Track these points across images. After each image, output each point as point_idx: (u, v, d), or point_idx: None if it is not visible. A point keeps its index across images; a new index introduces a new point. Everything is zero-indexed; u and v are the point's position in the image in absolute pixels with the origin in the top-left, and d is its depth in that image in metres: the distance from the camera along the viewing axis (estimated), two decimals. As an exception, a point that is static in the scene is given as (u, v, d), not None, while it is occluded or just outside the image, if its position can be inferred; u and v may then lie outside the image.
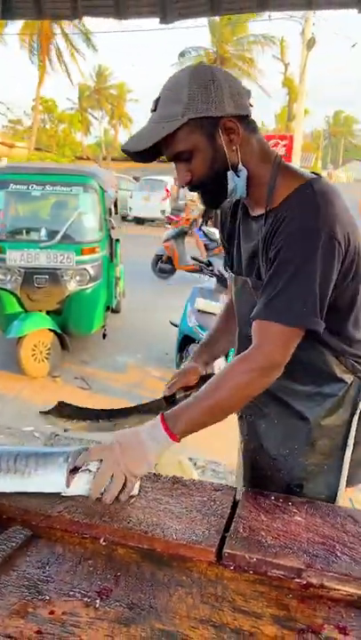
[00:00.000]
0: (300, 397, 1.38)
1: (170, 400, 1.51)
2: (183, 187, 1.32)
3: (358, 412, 1.40)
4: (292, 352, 1.23)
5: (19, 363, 5.22)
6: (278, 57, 34.06)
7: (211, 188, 1.29)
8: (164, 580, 1.06)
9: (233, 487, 1.35)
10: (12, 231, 5.49)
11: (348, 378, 1.37)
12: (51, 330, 5.25)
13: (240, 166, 1.25)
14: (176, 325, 4.89)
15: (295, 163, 24.49)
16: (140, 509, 1.22)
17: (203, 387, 1.27)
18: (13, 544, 1.11)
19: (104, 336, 5.93)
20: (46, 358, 5.30)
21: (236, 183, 1.27)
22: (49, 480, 1.25)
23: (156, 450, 1.21)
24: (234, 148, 1.23)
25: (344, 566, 1.08)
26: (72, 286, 5.25)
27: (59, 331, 5.29)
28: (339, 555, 1.12)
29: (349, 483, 1.44)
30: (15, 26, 29.97)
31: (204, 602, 1.01)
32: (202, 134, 1.21)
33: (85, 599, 1.00)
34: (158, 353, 5.82)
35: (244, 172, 1.27)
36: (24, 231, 5.49)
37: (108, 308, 5.85)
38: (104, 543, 1.16)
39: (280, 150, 24.41)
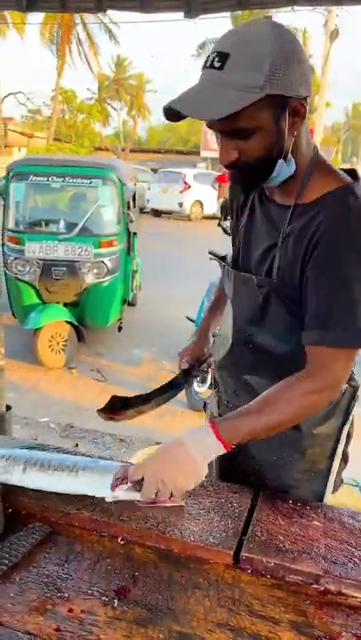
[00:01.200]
0: None
1: (189, 373, 1.51)
2: (223, 165, 1.15)
3: (349, 420, 1.38)
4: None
5: (35, 354, 5.26)
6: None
7: (256, 171, 1.14)
8: (182, 582, 1.06)
9: (251, 489, 1.34)
10: (31, 223, 5.52)
11: (342, 386, 1.31)
12: (68, 322, 5.27)
13: (290, 156, 1.13)
14: (192, 320, 4.88)
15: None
16: (158, 509, 1.22)
17: (263, 398, 1.19)
18: (33, 540, 1.13)
19: (120, 329, 5.94)
20: (63, 350, 5.33)
21: (281, 172, 1.14)
22: (96, 482, 1.25)
23: (206, 460, 1.15)
24: (293, 134, 1.11)
25: (363, 573, 1.08)
26: (90, 279, 5.26)
27: (75, 323, 5.31)
28: (357, 562, 1.11)
29: (334, 489, 1.44)
30: (37, 16, 29.94)
31: (222, 605, 1.01)
32: (270, 114, 1.05)
33: (104, 598, 1.01)
34: (173, 347, 5.79)
35: (292, 162, 1.15)
36: (43, 223, 5.52)
37: (124, 301, 5.86)
38: (122, 542, 1.16)
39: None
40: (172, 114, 1.09)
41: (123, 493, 1.21)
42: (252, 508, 1.27)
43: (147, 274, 7.34)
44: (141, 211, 11.99)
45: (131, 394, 1.49)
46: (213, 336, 1.61)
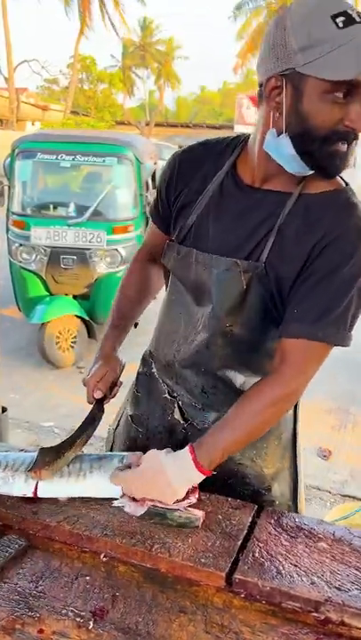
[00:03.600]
0: None
1: (99, 403, 1.47)
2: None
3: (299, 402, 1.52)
4: None
5: (41, 351, 5.31)
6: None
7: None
8: (166, 605, 1.07)
9: (254, 505, 1.35)
10: (39, 206, 5.58)
11: None
12: (77, 316, 5.32)
13: None
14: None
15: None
16: (146, 525, 1.23)
17: (234, 412, 1.29)
18: (7, 554, 1.16)
19: (136, 325, 5.94)
20: (72, 347, 5.38)
21: None
22: (104, 486, 1.30)
23: (186, 488, 1.25)
24: None
25: (369, 602, 1.08)
26: (102, 269, 5.29)
27: (86, 317, 5.35)
28: (365, 589, 1.11)
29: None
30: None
31: (207, 631, 1.02)
32: None
33: (78, 619, 1.03)
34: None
35: None
36: (51, 206, 5.55)
37: (141, 294, 5.87)
38: (105, 559, 1.18)
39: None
40: None
41: (128, 503, 1.26)
42: (252, 525, 1.27)
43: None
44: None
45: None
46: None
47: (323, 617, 1.06)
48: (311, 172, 1.22)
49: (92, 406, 1.49)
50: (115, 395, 1.52)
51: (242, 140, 1.39)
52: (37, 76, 41.64)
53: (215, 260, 1.32)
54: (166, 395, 1.54)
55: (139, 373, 1.67)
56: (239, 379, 1.43)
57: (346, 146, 1.17)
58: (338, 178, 1.28)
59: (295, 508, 1.57)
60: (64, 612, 1.04)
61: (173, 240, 1.43)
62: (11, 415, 4.57)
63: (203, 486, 1.30)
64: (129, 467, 1.31)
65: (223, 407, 1.38)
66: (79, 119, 31.79)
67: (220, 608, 1.08)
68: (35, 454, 1.37)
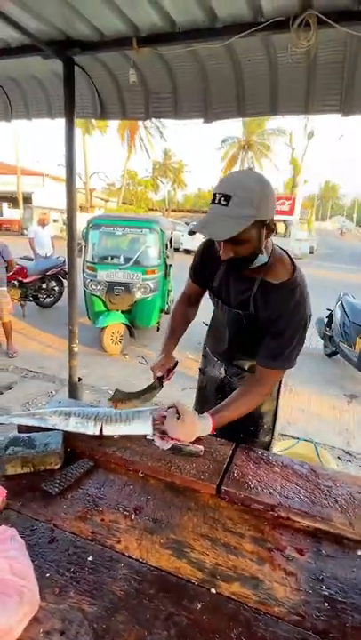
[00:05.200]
0: None
1: (161, 379, 1.45)
2: (221, 258, 1.17)
3: (280, 393, 1.55)
4: None
5: (101, 344, 5.27)
6: (288, 143, 33.36)
7: (243, 262, 1.18)
8: (179, 505, 1.04)
9: (232, 443, 1.30)
10: (102, 257, 5.55)
11: None
12: (123, 323, 5.26)
13: (263, 249, 1.17)
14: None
15: (296, 216, 23.78)
16: (167, 454, 1.19)
17: (235, 398, 1.29)
18: (81, 470, 1.12)
19: (158, 329, 5.94)
20: (120, 342, 5.33)
21: (258, 260, 1.18)
22: (142, 426, 1.26)
23: (202, 433, 1.23)
24: (267, 239, 1.16)
25: (305, 506, 1.03)
26: (138, 295, 5.25)
27: (129, 324, 5.31)
28: (302, 497, 1.07)
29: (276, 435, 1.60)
30: (114, 123, 30.42)
31: (205, 522, 0.98)
32: (255, 231, 1.10)
33: (125, 512, 0.99)
34: (194, 342, 5.67)
35: (265, 255, 1.20)
36: (109, 257, 5.54)
37: (161, 310, 5.84)
38: (142, 475, 1.15)
39: (285, 207, 23.81)
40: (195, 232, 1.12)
41: (157, 439, 1.21)
42: (232, 455, 1.24)
43: (178, 291, 7.25)
44: (176, 250, 12.01)
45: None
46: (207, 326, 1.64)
47: (276, 514, 1.02)
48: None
49: (151, 381, 1.46)
50: (170, 378, 1.49)
51: None
52: (102, 181, 41.63)
53: (229, 310, 1.37)
54: (217, 361, 1.60)
55: (203, 354, 1.71)
56: (245, 363, 1.48)
57: None
58: (287, 263, 1.24)
59: (268, 445, 1.57)
60: (116, 507, 1.01)
61: (212, 292, 1.45)
62: (83, 382, 4.58)
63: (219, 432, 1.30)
64: (161, 417, 1.26)
65: (240, 375, 1.49)
66: (126, 207, 31.84)
67: (213, 507, 1.04)
68: (99, 408, 1.33)
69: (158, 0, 1.83)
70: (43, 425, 1.26)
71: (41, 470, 1.10)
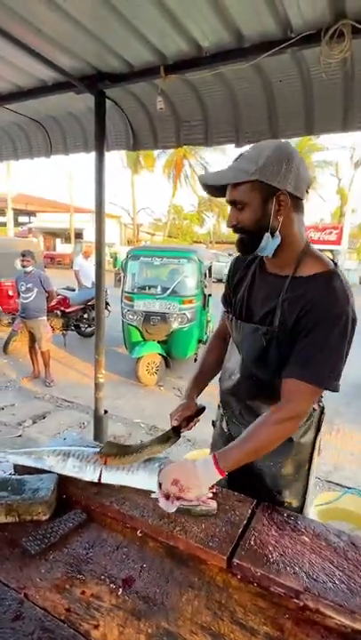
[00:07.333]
0: None
1: (177, 429, 1.24)
2: (228, 227, 1.07)
3: (321, 433, 1.22)
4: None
5: (137, 374, 5.19)
6: (333, 174, 33.09)
7: (248, 238, 1.05)
8: (179, 579, 0.85)
9: (253, 500, 1.09)
10: (140, 287, 5.58)
11: (315, 407, 1.21)
12: (159, 354, 5.18)
13: (277, 233, 1.02)
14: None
15: (344, 245, 23.02)
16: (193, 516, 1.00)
17: (246, 432, 1.03)
18: (71, 525, 0.97)
19: (195, 360, 5.76)
20: (155, 372, 5.22)
21: (267, 244, 1.03)
22: (147, 481, 1.09)
23: (208, 483, 1.00)
24: (279, 217, 1.01)
25: (340, 595, 0.79)
26: (175, 325, 5.17)
27: (165, 354, 5.21)
28: (337, 582, 0.83)
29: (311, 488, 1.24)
30: (160, 160, 31.94)
31: (208, 607, 0.78)
32: (259, 196, 0.99)
33: (112, 585, 0.82)
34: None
35: (278, 239, 1.03)
36: (147, 287, 5.55)
37: (199, 341, 5.69)
38: (140, 534, 0.97)
39: (332, 237, 23.20)
40: (203, 184, 1.07)
41: (161, 499, 1.00)
42: (250, 516, 1.02)
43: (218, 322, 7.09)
44: (219, 281, 11.92)
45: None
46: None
47: (302, 604, 0.79)
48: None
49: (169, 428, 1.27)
50: (191, 428, 1.28)
51: None
52: (149, 216, 43.48)
53: (244, 326, 1.15)
54: (222, 410, 1.35)
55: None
56: (264, 409, 1.15)
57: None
58: (327, 261, 1.05)
59: (300, 511, 1.22)
60: (102, 577, 0.84)
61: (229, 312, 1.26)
62: (115, 414, 4.46)
63: (231, 481, 1.09)
64: None
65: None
66: (171, 240, 32.72)
67: (220, 587, 0.84)
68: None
69: (184, 26, 1.81)
70: (39, 466, 1.14)
71: (27, 520, 0.97)
